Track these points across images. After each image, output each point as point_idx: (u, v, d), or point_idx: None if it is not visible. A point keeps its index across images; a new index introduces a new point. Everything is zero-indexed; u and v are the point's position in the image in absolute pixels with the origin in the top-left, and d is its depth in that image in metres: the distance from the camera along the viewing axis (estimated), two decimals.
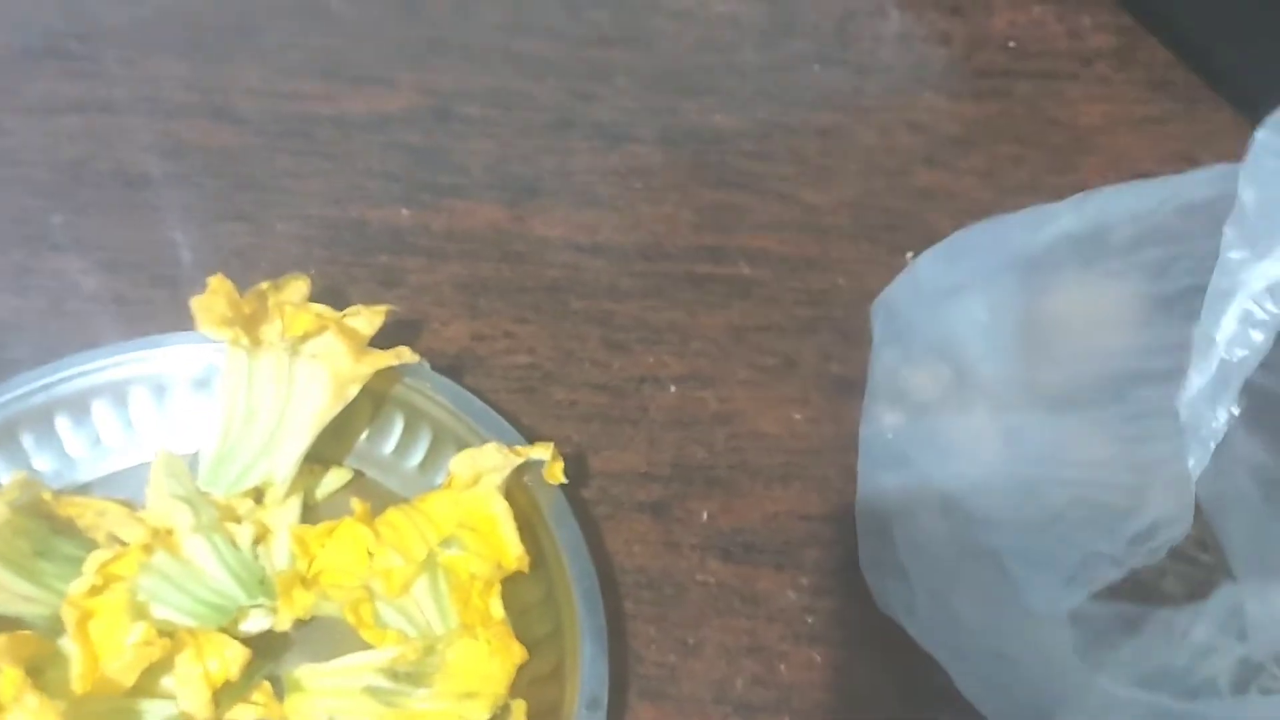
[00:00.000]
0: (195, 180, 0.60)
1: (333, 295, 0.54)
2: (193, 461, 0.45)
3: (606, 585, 0.46)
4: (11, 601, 0.40)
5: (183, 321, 0.46)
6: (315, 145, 0.62)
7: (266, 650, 0.42)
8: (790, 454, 0.51)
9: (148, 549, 0.40)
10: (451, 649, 0.39)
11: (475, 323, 0.55)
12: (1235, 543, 0.47)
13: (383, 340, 0.47)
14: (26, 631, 0.39)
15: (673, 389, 0.53)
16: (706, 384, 0.53)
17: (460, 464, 0.43)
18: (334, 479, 0.47)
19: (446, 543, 0.40)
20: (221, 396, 0.45)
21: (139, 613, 0.39)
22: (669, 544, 0.48)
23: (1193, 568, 0.47)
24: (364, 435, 0.48)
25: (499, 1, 0.71)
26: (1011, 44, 0.71)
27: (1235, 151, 0.69)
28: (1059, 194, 0.63)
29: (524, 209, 0.60)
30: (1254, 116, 0.69)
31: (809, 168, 0.64)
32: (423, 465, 0.47)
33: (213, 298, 0.45)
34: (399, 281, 0.56)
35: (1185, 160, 0.67)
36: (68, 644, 0.39)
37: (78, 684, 0.37)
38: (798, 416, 0.52)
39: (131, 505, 0.44)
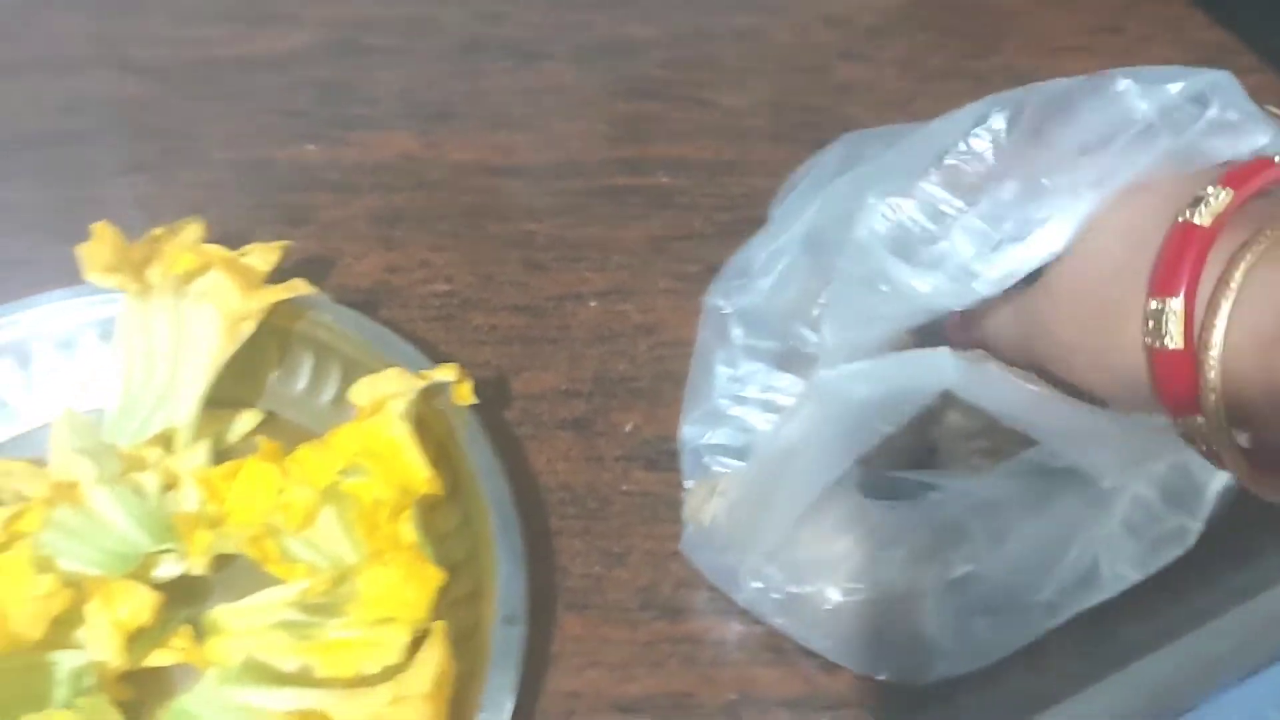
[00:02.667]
0: (97, 135, 0.58)
1: (238, 239, 0.53)
2: (103, 416, 0.45)
3: (531, 504, 0.46)
4: None
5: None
6: (219, 89, 0.61)
7: (187, 595, 0.42)
8: None
9: (49, 503, 0.40)
10: (363, 577, 0.38)
11: (391, 254, 0.54)
12: None
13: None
14: None
15: (593, 304, 0.52)
16: (627, 296, 0.52)
17: (360, 392, 0.42)
18: (245, 421, 0.46)
19: (349, 471, 0.39)
20: (120, 347, 0.45)
21: (44, 566, 0.39)
22: (592, 458, 0.47)
23: None
24: (274, 375, 0.47)
25: None
26: None
27: (1164, 17, 0.67)
28: (979, 78, 0.62)
29: (436, 135, 0.59)
30: None
31: (726, 72, 0.62)
32: (336, 401, 0.46)
33: (98, 245, 0.44)
34: (307, 219, 0.54)
35: (1110, 32, 0.66)
36: None
37: None
38: None
39: (39, 463, 0.43)
